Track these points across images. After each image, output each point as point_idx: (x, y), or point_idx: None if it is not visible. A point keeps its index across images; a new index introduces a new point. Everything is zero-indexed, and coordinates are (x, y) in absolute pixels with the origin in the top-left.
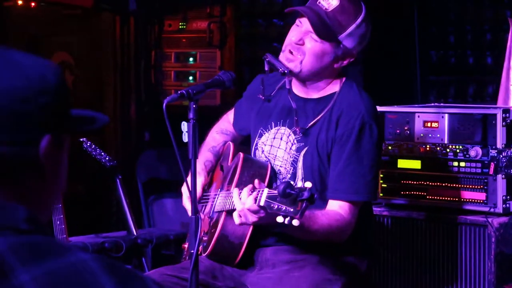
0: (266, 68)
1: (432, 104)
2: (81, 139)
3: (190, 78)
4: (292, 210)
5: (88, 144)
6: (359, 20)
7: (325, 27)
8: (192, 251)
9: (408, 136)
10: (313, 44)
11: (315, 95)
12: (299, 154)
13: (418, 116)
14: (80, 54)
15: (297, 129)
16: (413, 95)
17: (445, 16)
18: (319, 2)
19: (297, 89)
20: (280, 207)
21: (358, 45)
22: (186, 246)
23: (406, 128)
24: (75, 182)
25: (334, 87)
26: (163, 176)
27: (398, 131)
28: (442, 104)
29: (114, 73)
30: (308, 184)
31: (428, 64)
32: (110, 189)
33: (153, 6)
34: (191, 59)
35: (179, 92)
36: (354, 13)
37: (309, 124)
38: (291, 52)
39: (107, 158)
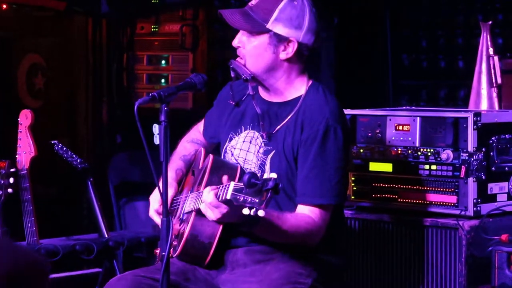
0: (232, 75)
1: (404, 107)
2: (52, 142)
3: (162, 81)
4: (257, 200)
5: (60, 146)
6: (282, 3)
7: (249, 21)
8: (164, 253)
9: (379, 139)
10: (249, 43)
11: (280, 99)
12: (267, 157)
13: (390, 119)
14: (52, 57)
15: (264, 134)
16: (385, 98)
17: (417, 20)
18: (250, 3)
19: (263, 94)
20: (245, 198)
21: (293, 31)
22: (157, 251)
23: (377, 131)
24: (46, 184)
25: (300, 90)
26: (134, 179)
27: (369, 134)
28: (414, 107)
29: (86, 76)
30: (273, 175)
31: (400, 67)
32: (82, 191)
33: (126, 9)
34: (163, 62)
35: (150, 94)
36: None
37: (276, 129)
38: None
39: (78, 161)
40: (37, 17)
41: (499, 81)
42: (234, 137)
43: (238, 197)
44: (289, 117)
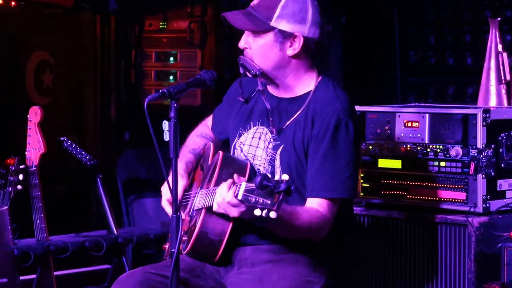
0: (241, 71)
1: (413, 104)
2: (61, 138)
3: (171, 77)
4: (269, 202)
5: (69, 143)
6: (283, 1)
7: (252, 21)
8: (173, 250)
9: (388, 135)
10: (255, 43)
11: (290, 95)
12: (276, 152)
13: (399, 116)
14: (60, 54)
15: (274, 130)
16: (393, 96)
17: (424, 17)
18: (252, 3)
19: (272, 90)
20: (257, 199)
21: (298, 26)
22: (166, 246)
23: (386, 127)
24: (55, 181)
25: (309, 85)
26: (143, 176)
27: (378, 130)
28: (422, 104)
29: (94, 73)
30: (285, 177)
31: (408, 65)
32: (91, 188)
33: (134, 6)
34: (171, 58)
35: (160, 91)
36: None
37: (285, 124)
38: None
39: (87, 157)
40: (45, 15)
41: (508, 77)
42: (243, 133)
43: (249, 198)
44: (298, 112)
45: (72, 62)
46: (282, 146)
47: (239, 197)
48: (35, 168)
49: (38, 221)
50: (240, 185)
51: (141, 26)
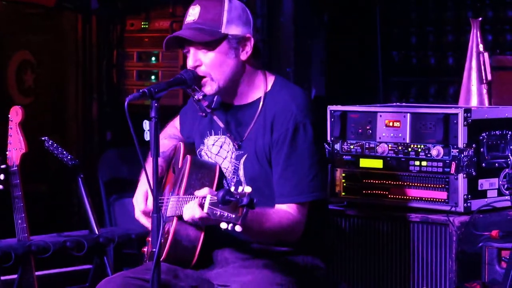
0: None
1: (394, 104)
2: (42, 138)
3: (152, 77)
4: (233, 216)
5: (50, 143)
6: (225, 5)
7: (204, 33)
8: (154, 249)
9: (370, 135)
10: (208, 56)
11: (244, 101)
12: (239, 162)
13: (380, 116)
14: (42, 53)
15: (235, 143)
16: (375, 95)
17: (407, 17)
18: (187, 22)
19: (227, 98)
20: (222, 213)
21: (245, 27)
22: (145, 250)
23: (368, 127)
24: (36, 180)
25: (260, 89)
26: (124, 176)
27: (360, 130)
28: (404, 104)
29: (76, 72)
30: (248, 189)
31: (390, 64)
32: (72, 188)
33: (116, 5)
34: (153, 58)
35: (141, 90)
36: (217, 3)
37: (245, 135)
38: None
39: (69, 157)
40: (27, 14)
41: (489, 77)
42: (207, 142)
43: (215, 212)
44: (254, 119)
45: (53, 61)
46: (245, 156)
47: (205, 210)
48: (16, 168)
49: (19, 221)
50: (205, 197)
51: (122, 25)
